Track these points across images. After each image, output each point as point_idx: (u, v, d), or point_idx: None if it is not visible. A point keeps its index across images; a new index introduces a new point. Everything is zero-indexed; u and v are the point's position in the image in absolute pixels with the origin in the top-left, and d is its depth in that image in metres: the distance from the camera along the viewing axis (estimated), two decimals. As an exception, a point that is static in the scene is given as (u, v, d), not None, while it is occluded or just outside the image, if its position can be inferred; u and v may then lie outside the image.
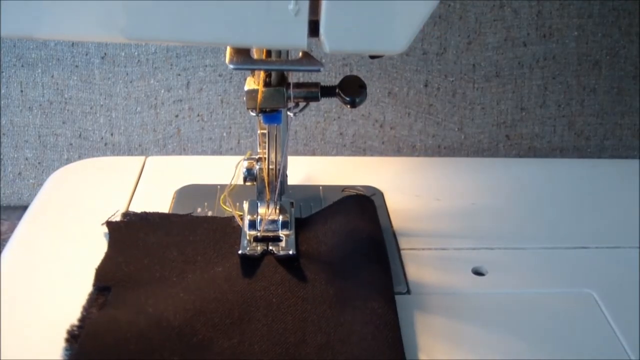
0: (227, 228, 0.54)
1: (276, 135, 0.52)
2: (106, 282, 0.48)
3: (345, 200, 0.58)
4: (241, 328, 0.45)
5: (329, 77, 0.74)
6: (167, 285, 0.48)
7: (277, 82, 0.47)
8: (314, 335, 0.44)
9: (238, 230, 0.54)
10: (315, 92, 0.48)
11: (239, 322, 0.45)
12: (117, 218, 0.55)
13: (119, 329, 0.42)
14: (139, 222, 0.55)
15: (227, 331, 0.44)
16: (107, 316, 0.44)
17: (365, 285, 0.48)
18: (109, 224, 0.54)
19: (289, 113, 0.50)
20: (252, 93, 0.46)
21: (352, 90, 0.48)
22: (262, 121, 0.48)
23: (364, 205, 0.57)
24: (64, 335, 0.43)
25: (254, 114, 0.47)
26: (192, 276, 0.49)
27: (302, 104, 0.49)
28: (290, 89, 0.47)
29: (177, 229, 0.54)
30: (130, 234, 0.53)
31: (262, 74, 0.46)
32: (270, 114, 0.47)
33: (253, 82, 0.47)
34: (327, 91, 0.48)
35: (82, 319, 0.44)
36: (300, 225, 0.55)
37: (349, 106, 0.49)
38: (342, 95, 0.48)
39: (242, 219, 0.54)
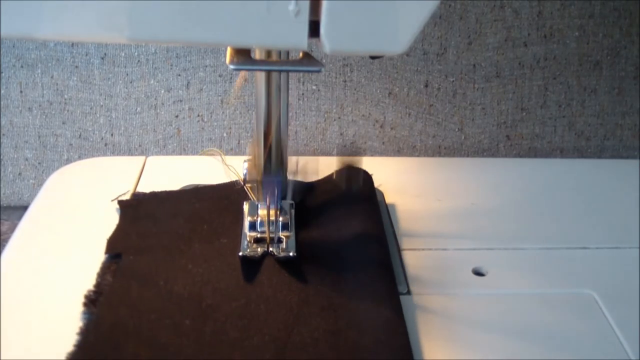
0: (232, 195, 0.56)
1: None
2: (117, 250, 0.51)
3: (344, 175, 0.60)
4: (246, 291, 0.47)
5: (330, 77, 0.74)
6: (175, 254, 0.50)
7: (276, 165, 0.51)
8: (317, 297, 0.47)
9: (241, 193, 0.56)
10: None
11: (245, 287, 0.48)
12: (127, 197, 0.58)
13: (131, 301, 0.46)
14: (148, 199, 0.58)
15: (233, 295, 0.47)
16: (120, 288, 0.47)
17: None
18: (120, 202, 0.57)
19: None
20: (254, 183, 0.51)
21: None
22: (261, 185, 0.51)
23: (363, 188, 0.59)
24: (80, 303, 0.46)
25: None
26: (198, 246, 0.51)
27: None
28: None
29: (184, 200, 0.57)
30: (140, 208, 0.56)
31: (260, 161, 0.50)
32: (270, 179, 0.51)
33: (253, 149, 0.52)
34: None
35: (98, 285, 0.48)
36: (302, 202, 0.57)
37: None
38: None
39: (245, 181, 0.56)
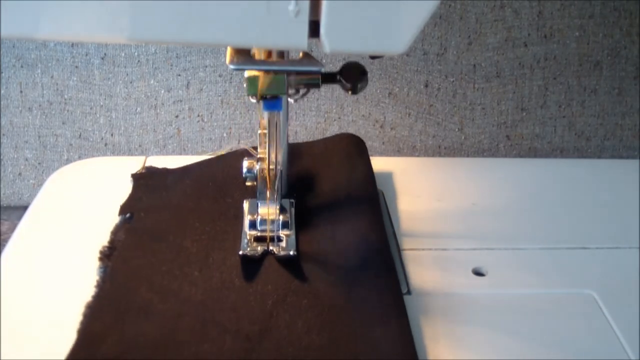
0: (239, 162, 0.58)
1: (276, 134, 0.52)
2: (129, 211, 0.55)
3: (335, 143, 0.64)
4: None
5: (329, 77, 0.74)
6: (183, 212, 0.54)
7: None
8: (314, 258, 0.50)
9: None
10: (316, 79, 0.48)
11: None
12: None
13: (144, 254, 0.49)
14: (159, 172, 0.62)
15: (237, 252, 0.50)
16: (133, 243, 0.51)
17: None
18: (133, 175, 0.61)
19: (289, 100, 0.50)
20: (253, 79, 0.46)
21: (353, 76, 0.49)
22: (262, 108, 0.48)
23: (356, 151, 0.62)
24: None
25: (254, 101, 0.48)
26: (205, 204, 0.55)
27: (302, 90, 0.49)
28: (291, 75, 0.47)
29: (193, 168, 0.61)
30: (151, 179, 0.60)
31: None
32: (271, 100, 0.48)
33: None
34: (328, 78, 0.48)
35: (112, 241, 0.51)
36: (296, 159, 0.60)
37: (350, 92, 0.49)
38: (343, 81, 0.48)
39: (255, 149, 0.58)
